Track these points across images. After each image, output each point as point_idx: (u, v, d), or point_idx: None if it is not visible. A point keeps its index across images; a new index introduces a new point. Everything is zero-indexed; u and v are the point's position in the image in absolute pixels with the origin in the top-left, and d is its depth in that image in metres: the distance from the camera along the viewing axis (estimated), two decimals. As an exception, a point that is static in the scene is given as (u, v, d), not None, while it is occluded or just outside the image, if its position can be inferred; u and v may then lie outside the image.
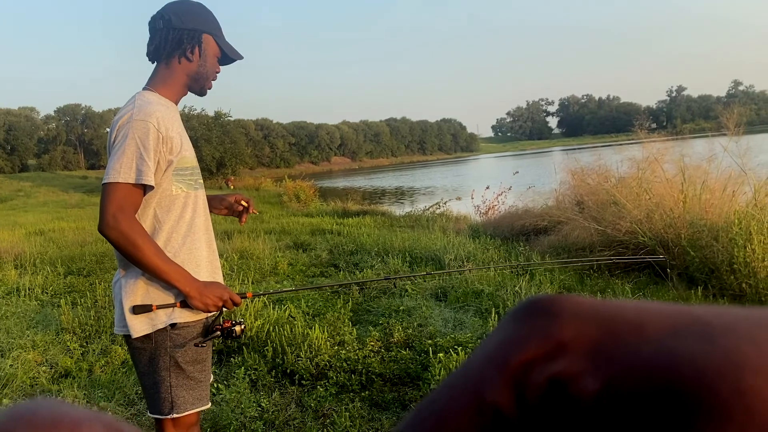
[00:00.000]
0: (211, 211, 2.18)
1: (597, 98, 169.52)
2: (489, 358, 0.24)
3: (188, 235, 1.89)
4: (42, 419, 0.22)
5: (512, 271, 6.42)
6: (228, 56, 2.01)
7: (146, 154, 1.74)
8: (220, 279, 2.04)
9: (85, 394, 3.59)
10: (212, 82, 2.01)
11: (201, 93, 2.01)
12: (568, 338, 0.23)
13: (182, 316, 1.84)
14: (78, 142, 72.12)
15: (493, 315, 4.28)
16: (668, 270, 5.46)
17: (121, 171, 1.72)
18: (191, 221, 1.90)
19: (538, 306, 0.25)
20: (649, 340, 0.21)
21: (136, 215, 1.79)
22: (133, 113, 1.78)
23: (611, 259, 4.34)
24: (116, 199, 1.72)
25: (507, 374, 0.23)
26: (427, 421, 0.24)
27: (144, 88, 1.92)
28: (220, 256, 2.10)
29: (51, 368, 4.13)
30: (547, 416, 0.22)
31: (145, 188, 1.77)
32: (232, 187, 34.80)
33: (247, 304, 4.71)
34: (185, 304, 1.82)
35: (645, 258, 4.42)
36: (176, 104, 1.98)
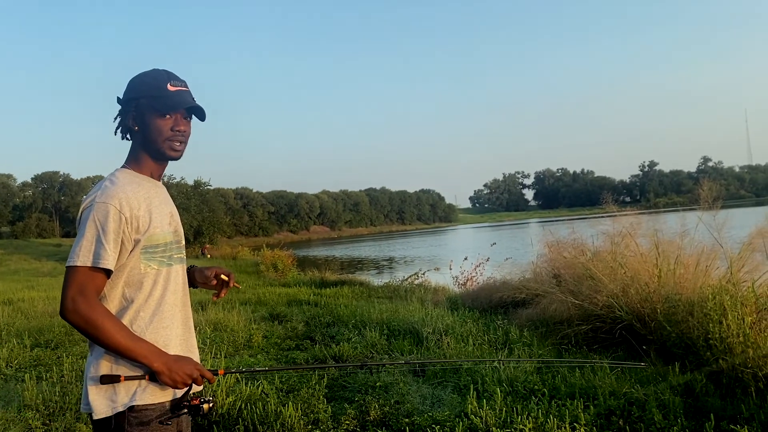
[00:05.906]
0: (194, 286, 2.13)
1: (572, 172, 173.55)
2: None
3: (156, 314, 1.85)
4: None
5: (491, 345, 6.35)
6: (167, 109, 1.86)
7: (105, 237, 1.73)
8: (196, 357, 1.99)
9: (43, 477, 3.40)
10: (177, 142, 1.90)
11: (167, 157, 1.92)
12: None
13: (142, 398, 1.78)
14: (54, 209, 71.65)
15: (471, 391, 4.20)
16: (644, 347, 5.45)
17: (80, 255, 1.72)
18: (161, 299, 1.87)
19: None
20: None
21: (99, 296, 1.77)
22: (96, 196, 1.79)
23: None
24: (75, 283, 1.71)
25: None
26: None
27: (121, 166, 1.94)
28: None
29: (9, 449, 3.93)
30: None
31: (107, 271, 1.76)
32: (208, 255, 34.54)
33: (219, 380, 4.58)
34: (154, 377, 1.78)
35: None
36: (156, 177, 1.96)
